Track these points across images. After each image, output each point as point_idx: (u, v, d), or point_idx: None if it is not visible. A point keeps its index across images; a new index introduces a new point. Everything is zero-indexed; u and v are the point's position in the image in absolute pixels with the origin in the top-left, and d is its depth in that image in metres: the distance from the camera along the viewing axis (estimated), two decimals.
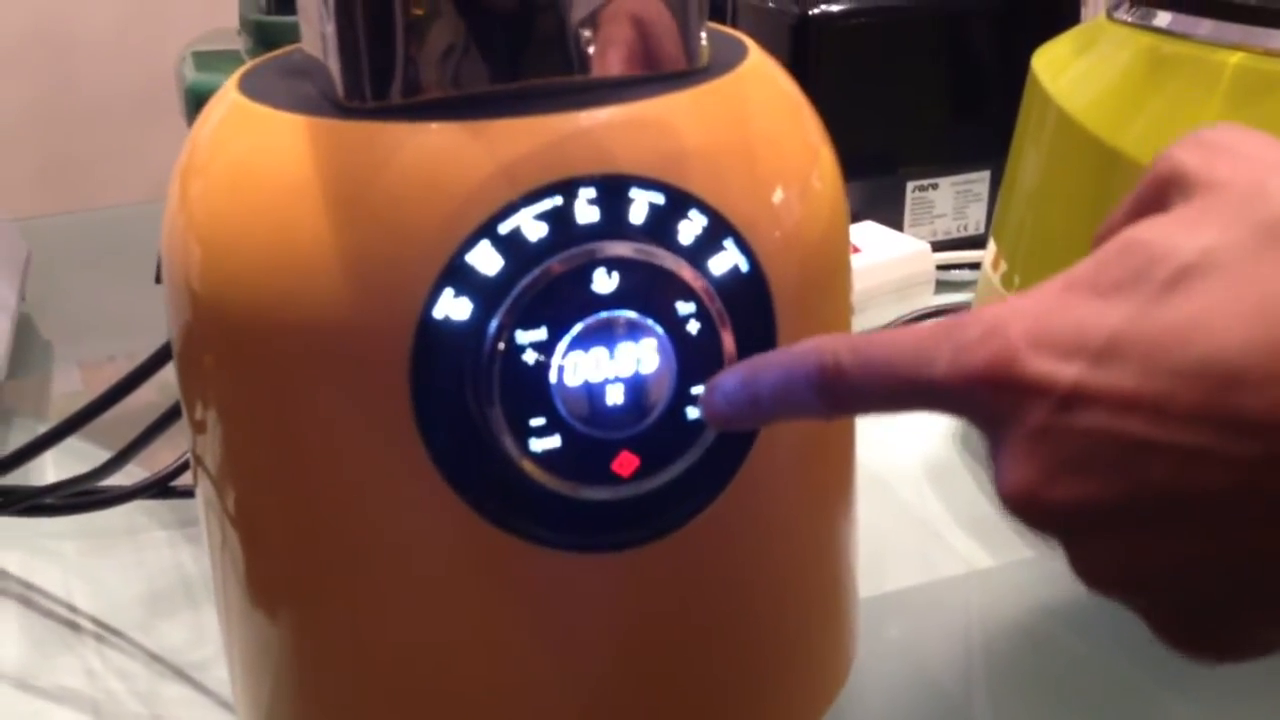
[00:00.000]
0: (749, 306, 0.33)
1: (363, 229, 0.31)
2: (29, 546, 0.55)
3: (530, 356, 0.31)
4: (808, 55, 0.75)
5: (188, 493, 0.52)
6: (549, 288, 0.31)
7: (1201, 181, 0.28)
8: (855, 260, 0.70)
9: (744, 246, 0.33)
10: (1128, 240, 0.27)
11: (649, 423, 0.33)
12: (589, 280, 0.32)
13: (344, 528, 0.34)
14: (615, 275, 0.32)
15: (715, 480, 0.34)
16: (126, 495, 0.52)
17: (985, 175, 0.79)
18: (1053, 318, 0.26)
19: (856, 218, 0.77)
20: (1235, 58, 0.46)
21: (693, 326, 0.33)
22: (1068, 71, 0.55)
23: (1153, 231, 0.27)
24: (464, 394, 0.32)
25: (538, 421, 0.32)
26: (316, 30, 0.34)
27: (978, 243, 0.78)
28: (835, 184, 0.37)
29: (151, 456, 0.50)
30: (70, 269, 0.85)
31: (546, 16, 0.33)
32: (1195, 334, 0.25)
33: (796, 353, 0.30)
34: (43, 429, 0.50)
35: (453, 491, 0.32)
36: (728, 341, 0.33)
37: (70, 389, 0.70)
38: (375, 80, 0.32)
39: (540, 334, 0.31)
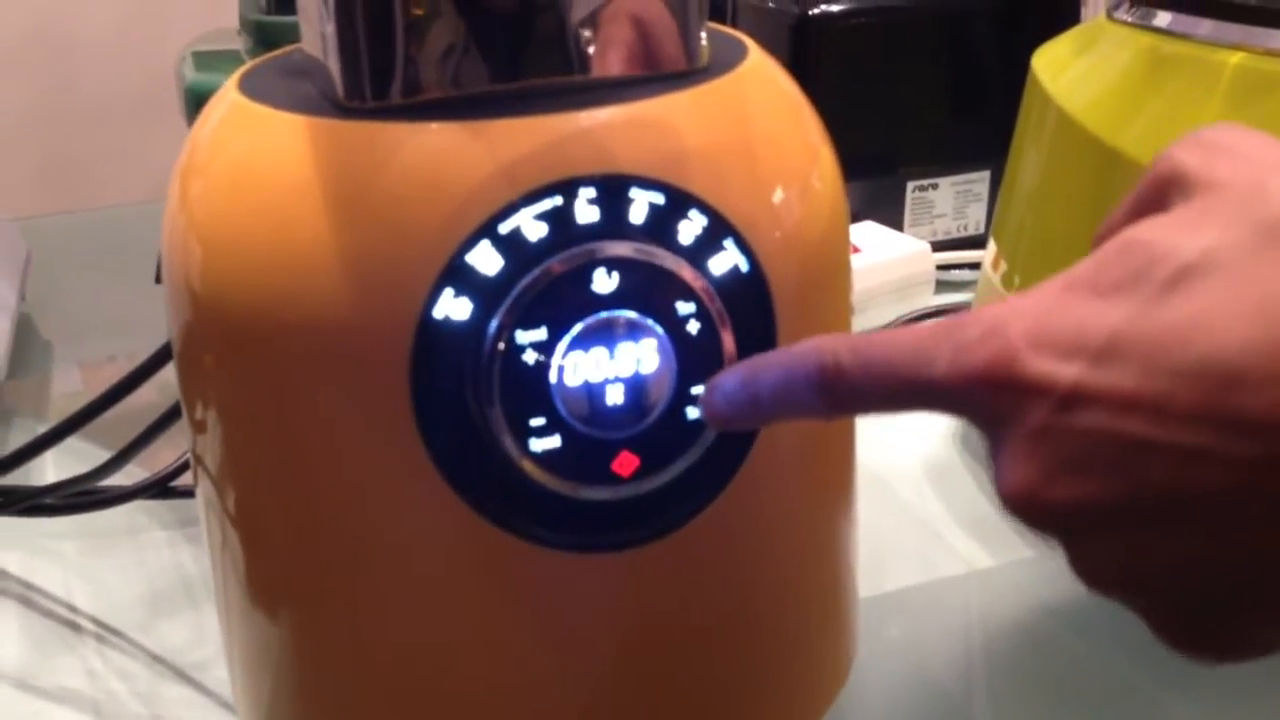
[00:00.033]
0: (749, 306, 0.33)
1: (363, 229, 0.31)
2: (29, 546, 0.55)
3: (530, 356, 0.31)
4: (808, 55, 0.75)
5: (188, 493, 0.52)
6: (549, 288, 0.31)
7: (1201, 181, 0.28)
8: (855, 260, 0.70)
9: (744, 246, 0.33)
10: (1128, 240, 0.27)
11: (649, 423, 0.33)
12: (589, 280, 0.32)
13: (344, 528, 0.34)
14: (615, 275, 0.32)
15: (715, 480, 0.34)
16: (127, 495, 0.52)
17: (985, 175, 0.79)
18: (1053, 318, 0.26)
19: (857, 218, 0.77)
20: (1235, 58, 0.46)
21: (693, 326, 0.33)
22: (1068, 71, 0.55)
23: (1153, 232, 0.27)
24: (464, 394, 0.32)
25: (538, 421, 0.32)
26: (316, 30, 0.34)
27: (978, 243, 0.78)
28: (835, 184, 0.37)
29: (152, 456, 0.50)
30: (70, 269, 0.85)
31: (546, 17, 0.33)
32: (1195, 334, 0.25)
33: (796, 353, 0.30)
34: (43, 429, 0.50)
35: (453, 491, 0.32)
36: (728, 341, 0.33)
37: (70, 389, 0.70)
38: (375, 80, 0.32)
39: (540, 334, 0.31)
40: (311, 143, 0.32)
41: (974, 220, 0.80)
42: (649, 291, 0.32)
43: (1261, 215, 0.26)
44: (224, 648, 0.41)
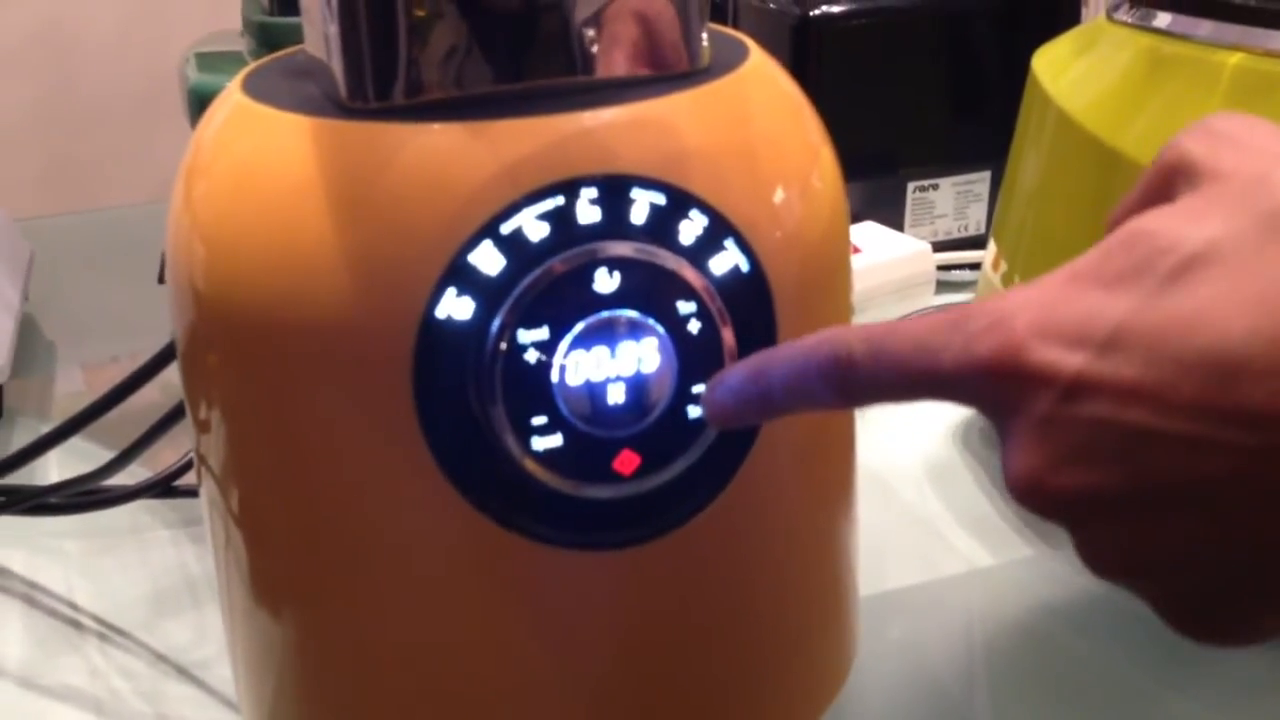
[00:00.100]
0: (750, 306, 0.34)
1: (366, 229, 0.32)
2: (32, 546, 0.55)
3: (532, 356, 0.32)
4: (808, 56, 0.75)
5: (190, 492, 0.52)
6: (551, 287, 0.31)
7: (1207, 171, 0.28)
8: (856, 260, 0.71)
9: (745, 246, 0.33)
10: (1132, 231, 0.27)
11: (650, 421, 0.33)
12: (590, 280, 0.32)
13: (347, 526, 0.34)
14: (617, 275, 0.32)
15: (716, 479, 0.34)
16: (130, 495, 0.52)
17: (986, 175, 0.79)
18: (1058, 308, 0.26)
19: (857, 218, 0.77)
20: (1235, 58, 0.46)
21: (694, 326, 0.33)
22: (1068, 72, 0.55)
23: (1157, 222, 0.27)
24: (466, 393, 0.32)
25: (540, 420, 0.32)
26: (320, 31, 0.34)
27: (978, 243, 0.78)
28: (836, 184, 0.38)
29: (154, 456, 0.50)
30: (73, 269, 0.86)
31: (548, 18, 0.33)
32: (1198, 325, 0.25)
33: (808, 345, 0.30)
34: (46, 429, 0.50)
35: (455, 490, 0.32)
36: (728, 340, 0.33)
37: (73, 389, 0.71)
38: (378, 81, 0.32)
39: (542, 333, 0.32)
40: (315, 143, 0.32)
41: (974, 220, 0.80)
42: (650, 291, 0.32)
43: (1266, 206, 0.26)
44: (227, 646, 0.41)
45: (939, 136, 0.79)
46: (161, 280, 0.37)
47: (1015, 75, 0.60)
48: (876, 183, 0.78)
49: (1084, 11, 0.80)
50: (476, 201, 0.31)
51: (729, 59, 0.36)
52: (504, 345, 0.31)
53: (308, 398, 0.33)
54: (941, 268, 0.76)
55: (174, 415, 0.46)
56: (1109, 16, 0.54)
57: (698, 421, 0.33)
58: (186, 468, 0.50)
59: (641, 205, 0.32)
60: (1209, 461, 0.25)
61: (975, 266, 0.74)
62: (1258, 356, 0.24)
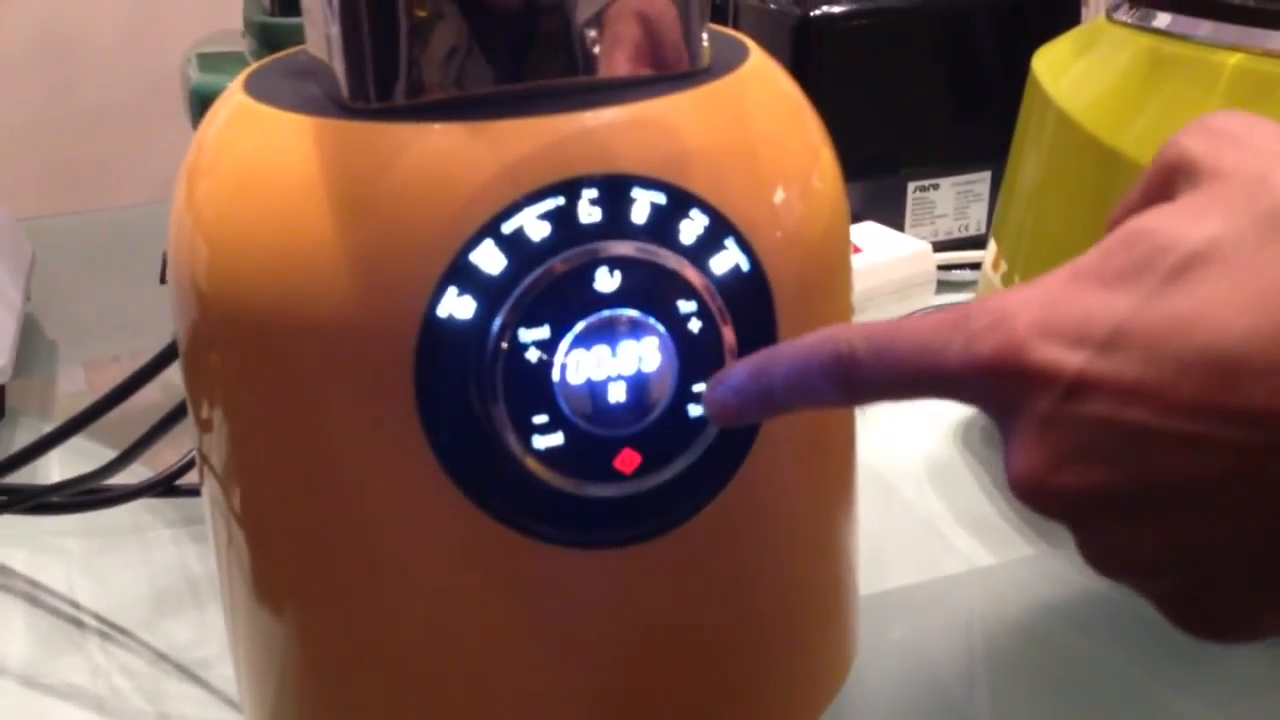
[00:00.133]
0: (750, 305, 0.34)
1: (367, 228, 0.32)
2: (34, 545, 0.55)
3: (533, 355, 0.32)
4: (809, 56, 0.75)
5: (192, 491, 0.52)
6: (552, 286, 0.31)
7: (1207, 170, 0.28)
8: (856, 260, 0.71)
9: (745, 246, 0.33)
10: (1133, 230, 0.27)
11: (651, 420, 0.33)
12: (591, 279, 0.32)
13: (349, 525, 0.34)
14: (617, 274, 0.32)
15: (717, 477, 0.35)
16: (131, 494, 0.52)
17: (986, 175, 0.79)
18: (1059, 307, 0.27)
19: (857, 218, 0.77)
20: (1234, 59, 0.46)
21: (694, 325, 0.33)
22: (1068, 72, 0.55)
23: (1157, 221, 0.27)
24: (468, 392, 0.32)
25: (541, 419, 0.32)
26: (321, 32, 0.34)
27: (979, 243, 0.78)
28: (836, 184, 0.38)
29: (155, 456, 0.50)
30: (75, 269, 0.86)
31: (548, 18, 0.33)
32: (1198, 324, 0.25)
33: (810, 343, 0.30)
34: (47, 428, 0.50)
35: (456, 489, 0.33)
36: (729, 339, 0.33)
37: (75, 389, 0.71)
38: (380, 81, 0.33)
39: (543, 332, 0.32)
40: (316, 143, 0.32)
41: (975, 220, 0.80)
42: (651, 290, 0.32)
43: (1265, 205, 0.26)
44: (229, 645, 0.41)
45: (939, 136, 0.79)
46: (163, 280, 0.37)
47: (1015, 75, 0.60)
48: (877, 182, 0.78)
49: (1084, 11, 0.80)
50: (478, 201, 0.31)
51: (729, 59, 0.36)
52: (505, 344, 0.31)
53: (309, 397, 0.33)
54: (942, 267, 0.76)
55: (175, 415, 0.46)
56: (1109, 17, 0.54)
57: (698, 420, 0.33)
58: (188, 467, 0.51)
59: (642, 205, 0.32)
60: (1209, 460, 0.25)
61: (975, 266, 0.74)
62: (1258, 355, 0.24)
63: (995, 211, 0.62)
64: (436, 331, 0.31)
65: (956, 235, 0.80)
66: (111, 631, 0.50)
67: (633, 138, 0.33)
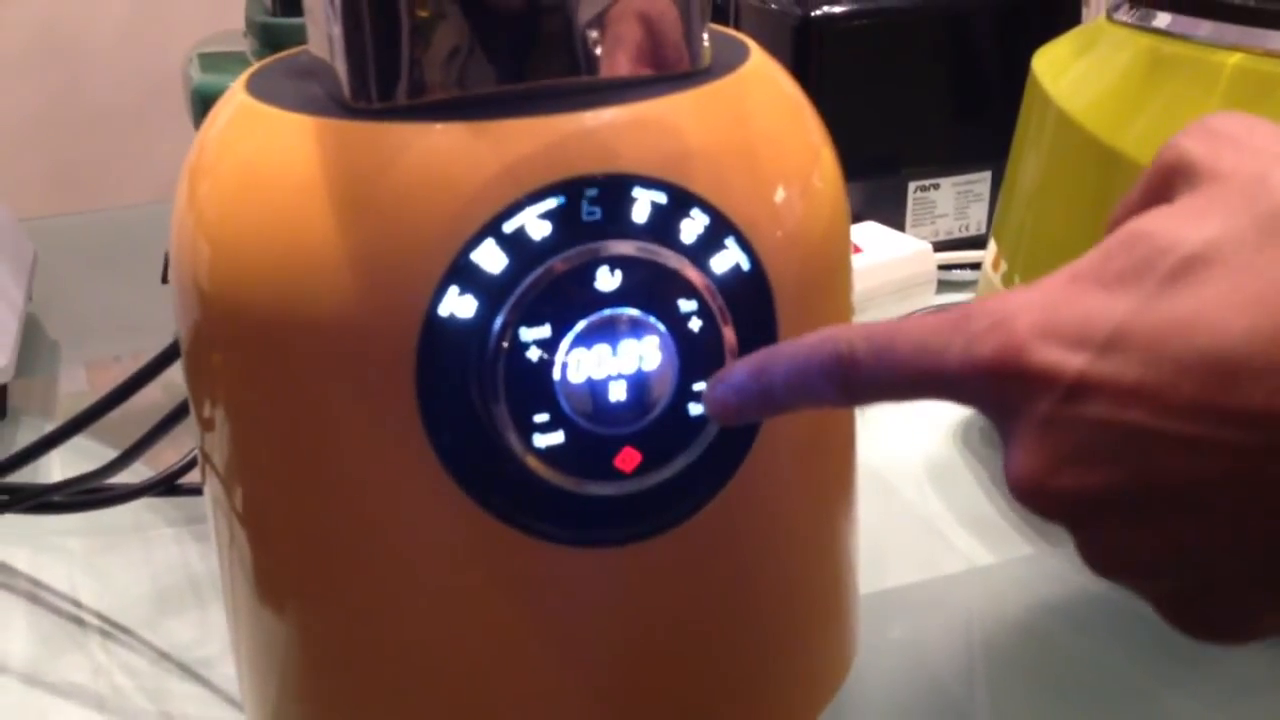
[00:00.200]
0: (750, 304, 0.34)
1: (369, 228, 0.32)
2: (36, 544, 0.55)
3: (534, 353, 0.32)
4: (810, 56, 0.75)
5: (193, 490, 0.52)
6: (553, 286, 0.32)
7: (1206, 171, 0.28)
8: (857, 260, 0.71)
9: (745, 245, 0.33)
10: (1132, 231, 0.27)
11: (651, 419, 0.33)
12: (592, 278, 0.32)
13: (350, 524, 0.34)
14: (618, 273, 0.32)
15: (717, 476, 0.35)
16: (133, 493, 0.52)
17: (986, 175, 0.79)
18: (1059, 309, 0.27)
19: (858, 218, 0.77)
20: (1234, 59, 0.46)
21: (694, 324, 0.33)
22: (1068, 72, 0.55)
23: (1156, 223, 0.27)
24: (469, 391, 0.32)
25: (541, 418, 0.32)
26: (323, 32, 0.34)
27: (979, 243, 0.78)
28: (836, 184, 0.38)
29: (157, 455, 0.50)
30: (77, 269, 0.86)
31: (550, 19, 0.33)
32: (1197, 325, 0.25)
33: (810, 343, 0.30)
34: (49, 428, 0.50)
35: (458, 487, 0.33)
36: (729, 339, 0.33)
37: (76, 388, 0.71)
38: (381, 81, 0.33)
39: (544, 331, 0.32)
40: (318, 143, 0.33)
41: (975, 220, 0.81)
42: (651, 289, 0.32)
43: (1265, 207, 0.26)
44: (231, 644, 0.41)
45: (940, 136, 0.79)
46: (165, 280, 0.37)
47: (1015, 75, 0.60)
48: (877, 182, 0.78)
49: (1084, 11, 0.80)
50: (479, 200, 0.31)
51: (730, 59, 0.36)
52: (506, 343, 0.32)
53: (311, 396, 0.33)
54: (942, 267, 0.76)
55: (177, 414, 0.46)
56: (1109, 17, 0.54)
57: (699, 419, 0.34)
58: (189, 466, 0.51)
59: (643, 204, 0.32)
60: (1209, 461, 0.25)
61: (976, 266, 0.74)
62: (1257, 356, 0.24)
63: (995, 211, 0.62)
64: (438, 330, 0.31)
65: (957, 235, 0.80)
66: (113, 630, 0.50)
67: (634, 137, 0.33)
